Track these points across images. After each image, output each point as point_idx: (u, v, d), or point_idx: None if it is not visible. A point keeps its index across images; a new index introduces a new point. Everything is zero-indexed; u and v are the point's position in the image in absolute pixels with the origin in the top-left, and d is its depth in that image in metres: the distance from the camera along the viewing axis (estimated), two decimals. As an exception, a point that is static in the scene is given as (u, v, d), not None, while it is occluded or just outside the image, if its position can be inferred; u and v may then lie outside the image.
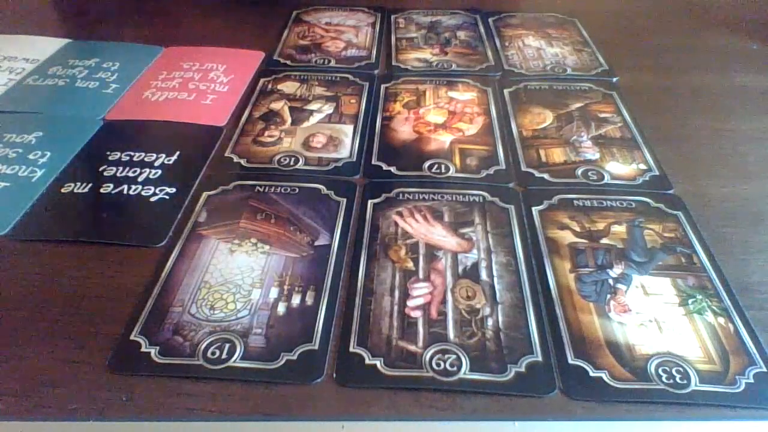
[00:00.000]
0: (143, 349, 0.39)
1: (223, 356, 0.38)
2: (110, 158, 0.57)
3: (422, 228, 0.49)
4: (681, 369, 0.38)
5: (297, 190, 0.53)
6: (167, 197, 0.52)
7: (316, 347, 0.39)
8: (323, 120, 0.63)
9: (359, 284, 0.44)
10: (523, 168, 0.56)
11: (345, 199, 0.52)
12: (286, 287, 0.43)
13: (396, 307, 0.42)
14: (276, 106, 0.65)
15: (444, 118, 0.63)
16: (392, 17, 0.86)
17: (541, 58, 0.75)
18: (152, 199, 0.52)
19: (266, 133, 0.61)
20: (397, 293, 0.43)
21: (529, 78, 0.71)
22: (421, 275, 0.44)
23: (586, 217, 0.50)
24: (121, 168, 0.55)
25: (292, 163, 0.56)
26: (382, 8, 0.88)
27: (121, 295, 0.43)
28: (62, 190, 0.53)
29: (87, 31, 0.82)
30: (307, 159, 0.57)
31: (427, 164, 0.56)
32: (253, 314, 0.41)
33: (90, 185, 0.53)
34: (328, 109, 0.65)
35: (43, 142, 0.59)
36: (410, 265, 0.45)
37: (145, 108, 0.65)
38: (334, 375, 0.37)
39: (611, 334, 0.40)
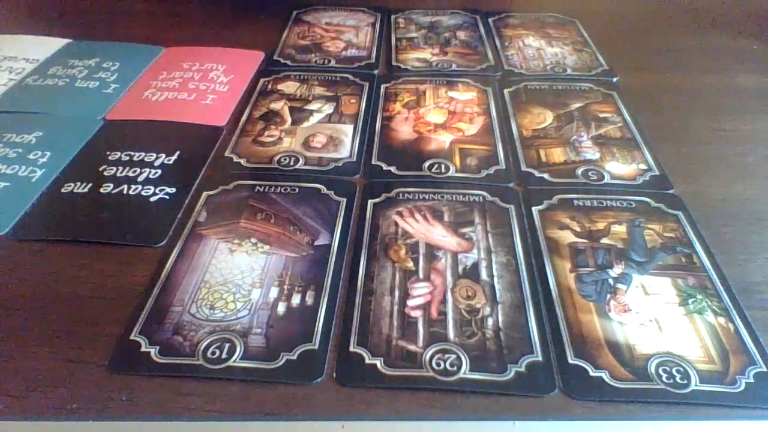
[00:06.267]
0: (143, 349, 0.39)
1: (223, 356, 0.38)
2: (110, 158, 0.57)
3: (422, 228, 0.49)
4: (681, 369, 0.38)
5: (297, 189, 0.53)
6: (167, 197, 0.52)
7: (316, 347, 0.39)
8: (323, 120, 0.63)
9: (359, 284, 0.44)
10: (523, 168, 0.56)
11: (345, 199, 0.52)
12: (286, 287, 0.43)
13: (396, 307, 0.42)
14: (276, 106, 0.65)
15: (444, 118, 0.63)
16: (392, 17, 0.86)
17: (541, 58, 0.75)
18: (152, 199, 0.52)
19: (266, 133, 0.61)
20: (397, 293, 0.43)
21: (529, 78, 0.71)
22: (421, 275, 0.44)
23: (586, 217, 0.50)
24: (121, 168, 0.55)
25: (292, 162, 0.56)
26: (382, 8, 0.88)
27: (121, 295, 0.43)
28: (62, 190, 0.53)
29: (87, 31, 0.82)
30: (307, 159, 0.57)
31: (427, 164, 0.56)
32: (253, 314, 0.41)
33: (90, 185, 0.53)
34: (328, 109, 0.65)
35: (43, 142, 0.59)
36: (410, 264, 0.45)
37: (145, 108, 0.65)
38: (334, 375, 0.37)
39: (611, 333, 0.40)
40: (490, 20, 0.85)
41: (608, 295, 0.43)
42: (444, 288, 0.43)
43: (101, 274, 0.45)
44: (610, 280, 0.44)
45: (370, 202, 0.51)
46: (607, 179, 0.54)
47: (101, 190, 0.53)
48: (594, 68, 0.73)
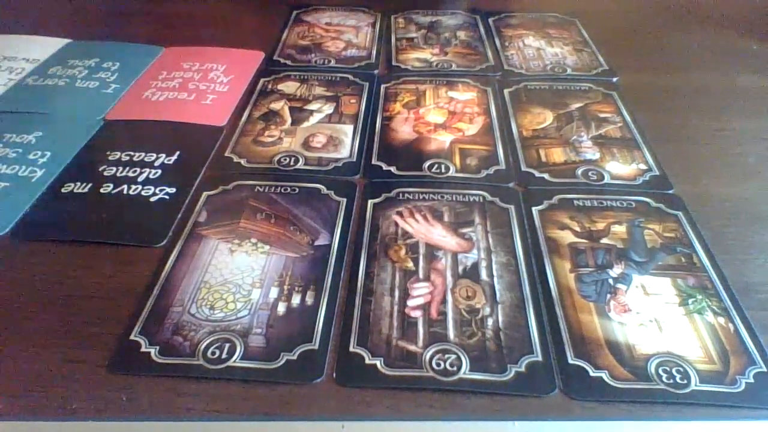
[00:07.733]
0: (143, 349, 0.39)
1: (223, 356, 0.38)
2: (110, 158, 0.57)
3: (422, 228, 0.49)
4: (681, 369, 0.38)
5: (297, 190, 0.53)
6: (167, 197, 0.52)
7: (316, 347, 0.39)
8: (323, 120, 0.63)
9: (359, 284, 0.44)
10: (523, 168, 0.56)
11: (345, 199, 0.52)
12: (286, 287, 0.43)
13: (396, 307, 0.42)
14: (276, 106, 0.65)
15: (444, 118, 0.63)
16: (392, 17, 0.86)
17: (541, 58, 0.75)
18: (152, 199, 0.52)
19: (266, 133, 0.61)
20: (397, 293, 0.43)
21: (529, 78, 0.71)
22: (421, 275, 0.44)
23: (586, 217, 0.50)
24: (121, 168, 0.55)
25: (292, 163, 0.56)
26: (382, 8, 0.88)
27: (121, 295, 0.43)
28: (62, 190, 0.53)
29: (87, 31, 0.82)
30: (307, 159, 0.57)
31: (427, 164, 0.56)
32: (253, 314, 0.41)
33: (90, 185, 0.53)
34: (328, 109, 0.65)
35: (43, 142, 0.59)
36: (410, 265, 0.45)
37: (145, 108, 0.65)
38: (334, 375, 0.37)
39: (611, 334, 0.40)
40: (490, 20, 0.85)
41: (608, 295, 0.43)
42: (444, 288, 0.43)
43: (101, 274, 0.45)
44: (610, 280, 0.44)
45: (370, 202, 0.51)
46: (607, 179, 0.54)
47: (101, 190, 0.53)
48: (594, 68, 0.73)
